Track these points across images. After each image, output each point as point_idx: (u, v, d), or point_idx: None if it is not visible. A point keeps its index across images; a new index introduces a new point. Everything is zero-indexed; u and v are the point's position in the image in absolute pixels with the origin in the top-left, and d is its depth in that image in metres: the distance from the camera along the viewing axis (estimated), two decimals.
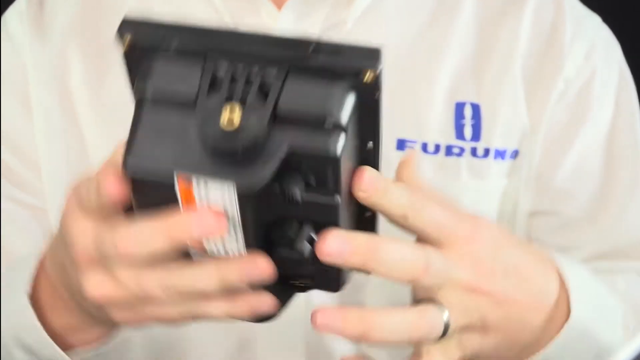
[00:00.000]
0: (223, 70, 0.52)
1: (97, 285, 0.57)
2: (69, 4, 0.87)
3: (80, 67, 0.85)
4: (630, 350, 0.52)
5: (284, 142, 0.51)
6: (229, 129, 0.50)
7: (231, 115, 0.50)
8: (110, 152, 0.79)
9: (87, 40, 0.85)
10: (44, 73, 0.85)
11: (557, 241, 0.85)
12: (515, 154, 0.84)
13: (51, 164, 0.85)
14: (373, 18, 0.83)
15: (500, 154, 0.83)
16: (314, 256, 0.54)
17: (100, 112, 0.84)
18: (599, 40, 0.87)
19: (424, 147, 0.82)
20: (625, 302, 0.76)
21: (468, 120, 0.83)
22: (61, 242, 0.60)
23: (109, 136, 0.82)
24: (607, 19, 0.90)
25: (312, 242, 0.54)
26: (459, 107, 0.83)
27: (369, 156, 0.55)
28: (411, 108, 0.82)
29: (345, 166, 0.53)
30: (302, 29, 0.82)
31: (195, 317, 0.57)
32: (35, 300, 0.68)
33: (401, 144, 0.81)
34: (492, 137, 0.83)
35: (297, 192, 0.52)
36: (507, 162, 0.84)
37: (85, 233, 0.57)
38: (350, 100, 0.52)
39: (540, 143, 0.84)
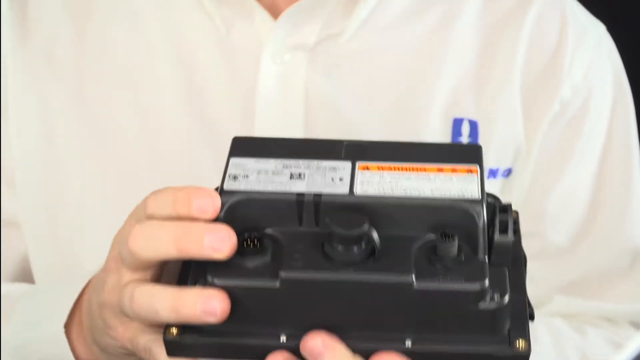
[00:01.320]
0: None
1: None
2: (53, 12, 0.84)
3: (61, 72, 0.83)
4: (630, 351, 0.50)
5: None
6: None
7: None
8: (87, 162, 0.78)
9: (71, 47, 0.84)
10: (24, 80, 0.83)
11: (534, 265, 0.84)
12: (508, 172, 0.83)
13: (26, 175, 0.83)
14: (371, 30, 0.82)
15: (492, 173, 0.82)
16: None
17: (81, 122, 0.82)
18: (601, 56, 0.86)
19: None
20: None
21: (465, 137, 0.82)
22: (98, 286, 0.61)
23: (88, 145, 0.82)
24: (610, 23, 0.89)
25: None
26: (457, 124, 0.82)
27: None
28: (409, 122, 0.81)
29: None
30: (298, 38, 0.81)
31: None
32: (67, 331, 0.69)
33: None
34: (486, 155, 0.81)
35: None
36: (498, 181, 0.83)
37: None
38: None
39: (532, 165, 0.83)
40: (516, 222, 0.60)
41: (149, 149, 0.81)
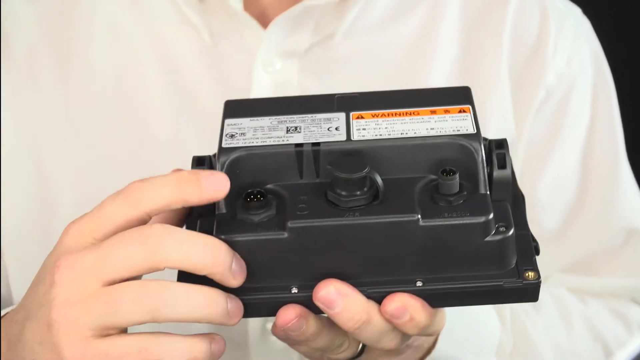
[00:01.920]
0: None
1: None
2: (28, 29, 0.83)
3: (46, 91, 0.82)
4: (630, 351, 0.52)
5: None
6: None
7: None
8: (75, 186, 0.77)
9: (52, 64, 0.83)
10: (8, 102, 0.82)
11: None
12: None
13: (8, 191, 0.81)
14: (359, 32, 0.83)
15: None
16: None
17: (69, 139, 0.82)
18: (580, 40, 0.87)
19: None
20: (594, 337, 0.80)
21: None
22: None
23: (73, 162, 0.81)
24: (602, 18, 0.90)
25: None
26: None
27: None
28: None
29: None
30: (289, 46, 0.81)
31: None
32: None
33: None
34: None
35: None
36: None
37: None
38: None
39: (521, 154, 0.84)
40: (504, 146, 0.60)
41: (140, 162, 0.81)
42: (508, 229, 0.55)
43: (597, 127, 0.87)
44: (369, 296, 0.55)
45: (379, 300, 0.56)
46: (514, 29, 0.84)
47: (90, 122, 0.81)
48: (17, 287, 0.82)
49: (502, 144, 0.58)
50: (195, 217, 0.58)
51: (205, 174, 0.54)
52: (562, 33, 0.85)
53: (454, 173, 0.55)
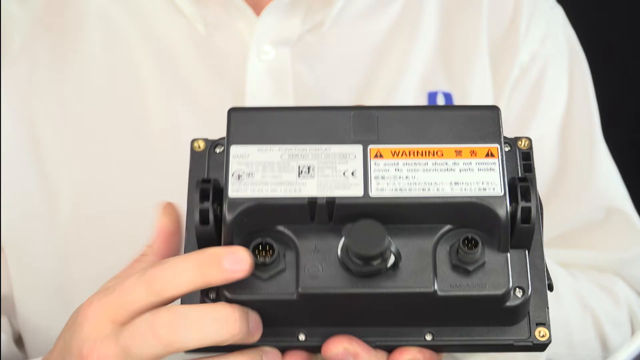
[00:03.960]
0: None
1: None
2: (24, 23, 0.83)
3: (42, 86, 0.82)
4: (630, 351, 0.53)
5: None
6: None
7: None
8: (74, 182, 0.76)
9: (48, 63, 0.82)
10: (7, 101, 0.82)
11: None
12: None
13: (8, 195, 0.81)
14: (347, 17, 0.85)
15: None
16: None
17: (67, 137, 0.81)
18: (554, 21, 0.90)
19: None
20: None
21: None
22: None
23: (74, 163, 0.81)
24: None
25: None
26: (432, 97, 0.85)
27: None
28: (389, 100, 0.84)
29: None
30: (282, 33, 0.82)
31: None
32: None
33: None
34: None
35: None
36: None
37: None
38: None
39: None
40: (530, 157, 0.59)
41: (137, 154, 0.81)
42: (525, 293, 0.54)
43: (574, 106, 0.89)
44: (376, 346, 0.55)
45: (386, 349, 0.55)
46: (490, 8, 0.87)
47: (86, 116, 0.81)
48: (19, 284, 0.81)
49: (527, 191, 0.55)
50: (198, 244, 0.56)
51: (225, 254, 0.53)
52: (536, 13, 0.88)
53: (476, 245, 0.53)
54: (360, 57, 0.85)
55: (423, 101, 0.84)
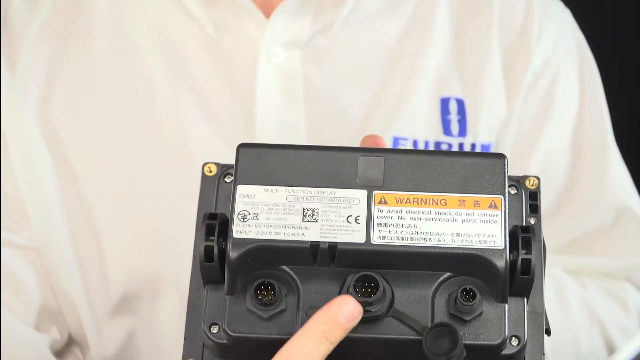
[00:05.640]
0: None
1: None
2: (33, 28, 0.83)
3: (62, 93, 0.82)
4: (630, 350, 0.55)
5: None
6: None
7: None
8: (103, 180, 0.77)
9: (58, 69, 0.83)
10: (19, 103, 0.82)
11: None
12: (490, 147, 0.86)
13: (36, 199, 0.81)
14: (357, 19, 0.85)
15: (485, 148, 0.85)
16: None
17: (88, 141, 0.82)
18: (564, 25, 0.90)
19: (415, 144, 0.84)
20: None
21: (454, 115, 0.85)
22: None
23: (101, 164, 0.81)
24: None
25: None
26: (444, 103, 0.85)
27: None
28: (402, 105, 0.84)
29: None
30: (292, 34, 0.83)
31: None
32: None
33: (396, 142, 0.83)
34: (477, 131, 0.85)
35: None
36: None
37: None
38: None
39: (512, 136, 0.86)
40: (537, 197, 0.59)
41: (148, 156, 0.81)
42: (521, 341, 0.55)
43: (586, 110, 0.89)
44: None
45: None
46: (501, 13, 0.87)
47: (96, 118, 0.82)
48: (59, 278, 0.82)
49: (528, 242, 0.55)
50: (204, 280, 0.57)
51: (338, 310, 0.52)
52: (546, 19, 0.88)
53: (474, 296, 0.54)
54: (371, 61, 0.85)
55: (436, 107, 0.84)
